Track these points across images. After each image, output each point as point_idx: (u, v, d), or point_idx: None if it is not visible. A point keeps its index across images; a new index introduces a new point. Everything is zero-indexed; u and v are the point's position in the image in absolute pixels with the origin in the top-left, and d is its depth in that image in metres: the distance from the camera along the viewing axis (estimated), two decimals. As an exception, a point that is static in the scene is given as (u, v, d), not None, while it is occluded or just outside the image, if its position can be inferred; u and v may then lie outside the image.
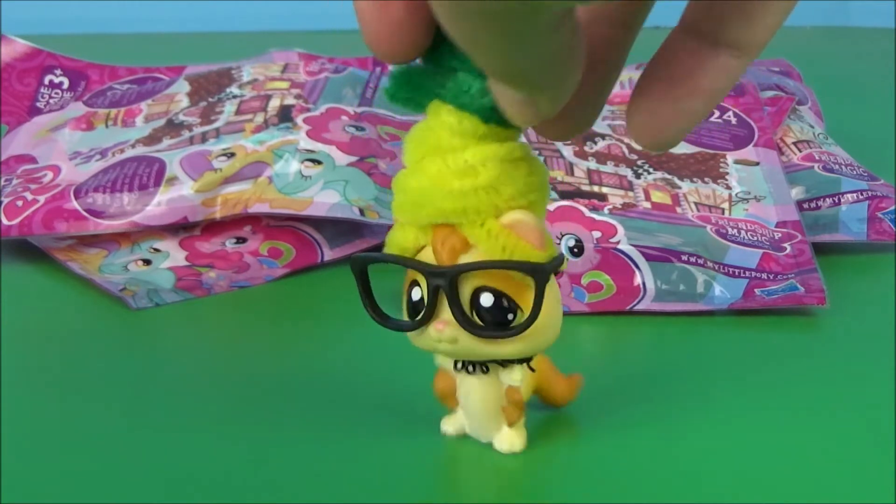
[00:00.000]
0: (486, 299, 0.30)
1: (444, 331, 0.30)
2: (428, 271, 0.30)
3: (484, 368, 0.32)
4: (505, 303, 0.30)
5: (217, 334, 0.47)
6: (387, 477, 0.33)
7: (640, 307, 0.47)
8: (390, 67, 0.28)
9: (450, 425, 0.34)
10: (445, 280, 0.29)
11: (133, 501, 0.31)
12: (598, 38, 0.26)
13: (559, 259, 0.30)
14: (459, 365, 0.32)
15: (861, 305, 0.47)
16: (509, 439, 0.33)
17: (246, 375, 0.40)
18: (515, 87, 0.25)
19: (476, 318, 0.30)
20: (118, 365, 0.41)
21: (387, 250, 0.31)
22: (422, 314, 0.30)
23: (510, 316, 0.30)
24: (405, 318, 0.32)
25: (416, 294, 0.31)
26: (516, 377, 0.32)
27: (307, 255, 0.53)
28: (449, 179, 0.29)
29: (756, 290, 0.47)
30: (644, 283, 0.48)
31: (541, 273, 0.30)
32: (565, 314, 0.47)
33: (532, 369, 0.33)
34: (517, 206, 0.29)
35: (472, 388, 0.33)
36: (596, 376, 0.41)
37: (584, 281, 0.48)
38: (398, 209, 0.30)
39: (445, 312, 0.30)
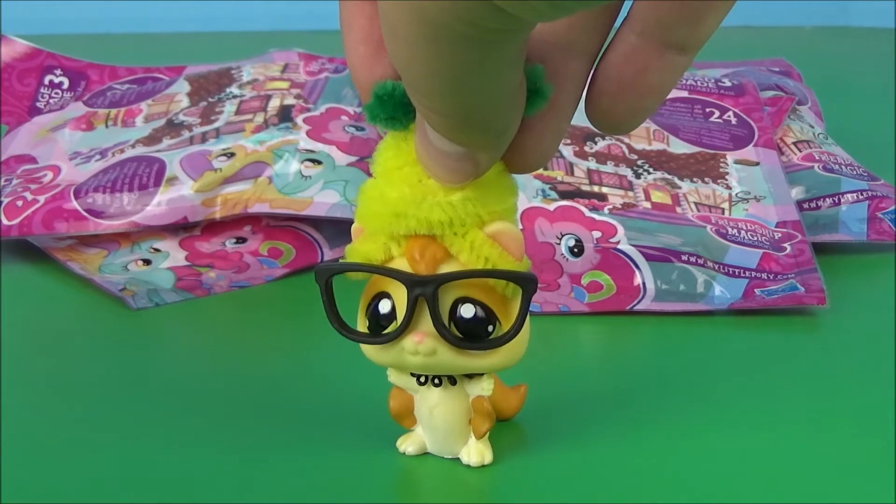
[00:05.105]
0: (468, 310, 0.29)
1: (423, 342, 0.29)
2: (411, 280, 0.29)
3: (452, 381, 0.31)
4: (485, 315, 0.29)
5: (217, 334, 0.47)
6: (378, 484, 0.33)
7: (640, 307, 0.47)
8: (374, 87, 0.27)
9: (410, 444, 0.33)
10: (430, 289, 0.29)
11: (131, 501, 0.31)
12: (559, 69, 0.26)
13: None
14: (424, 379, 0.32)
15: (861, 305, 0.47)
16: (479, 452, 0.32)
17: (245, 376, 0.40)
18: (462, 135, 0.25)
19: (454, 330, 0.29)
20: (118, 365, 0.41)
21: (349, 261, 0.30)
22: (396, 326, 0.30)
23: (490, 328, 0.29)
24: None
25: (385, 306, 0.30)
26: (487, 386, 0.31)
27: (307, 255, 0.53)
28: (434, 190, 0.28)
29: (756, 290, 0.47)
30: (644, 283, 0.48)
31: (531, 283, 0.29)
32: (565, 314, 0.47)
33: None
34: (497, 217, 0.29)
35: (438, 402, 0.32)
36: (595, 376, 0.41)
37: (584, 281, 0.48)
38: (370, 219, 0.29)
39: (425, 324, 0.29)
